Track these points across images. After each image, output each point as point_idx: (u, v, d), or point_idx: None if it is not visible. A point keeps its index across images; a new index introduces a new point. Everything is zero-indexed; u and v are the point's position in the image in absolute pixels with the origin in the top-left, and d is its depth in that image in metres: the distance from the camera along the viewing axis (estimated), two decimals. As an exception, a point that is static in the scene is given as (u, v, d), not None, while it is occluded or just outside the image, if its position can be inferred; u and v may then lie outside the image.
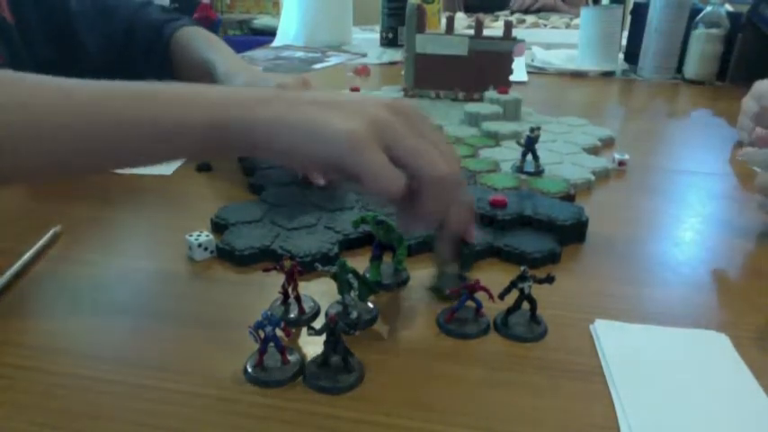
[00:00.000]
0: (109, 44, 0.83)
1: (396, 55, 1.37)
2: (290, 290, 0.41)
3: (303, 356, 0.36)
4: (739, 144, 0.81)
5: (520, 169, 0.65)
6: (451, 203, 0.38)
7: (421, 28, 0.93)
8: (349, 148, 0.35)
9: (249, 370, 0.35)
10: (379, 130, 0.36)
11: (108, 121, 0.40)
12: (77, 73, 0.42)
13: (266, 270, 0.41)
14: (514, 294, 0.40)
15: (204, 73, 0.76)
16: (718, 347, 0.39)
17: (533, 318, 0.40)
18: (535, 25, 1.97)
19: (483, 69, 0.92)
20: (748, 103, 0.79)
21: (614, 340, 0.39)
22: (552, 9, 2.33)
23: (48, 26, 0.77)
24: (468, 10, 2.30)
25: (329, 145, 0.36)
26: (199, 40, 0.83)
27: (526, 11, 2.31)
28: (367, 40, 1.58)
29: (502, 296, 0.40)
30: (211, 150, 0.42)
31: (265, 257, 0.47)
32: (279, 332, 0.35)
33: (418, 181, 0.36)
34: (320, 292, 0.43)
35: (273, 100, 0.39)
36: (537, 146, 0.64)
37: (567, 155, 0.71)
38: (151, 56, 0.83)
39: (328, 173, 0.50)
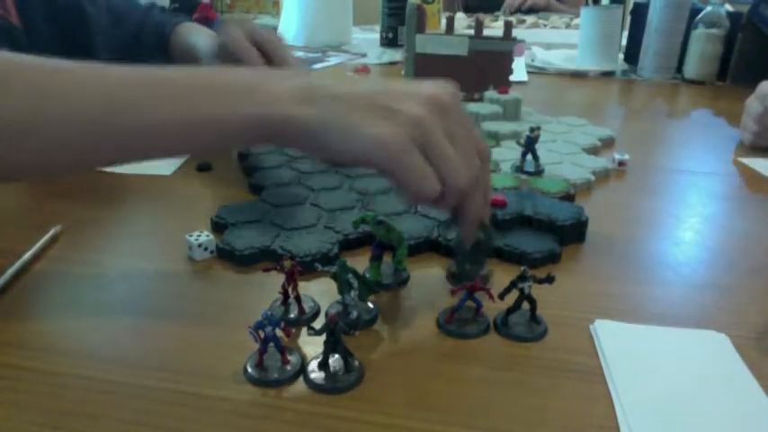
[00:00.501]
0: (118, 49, 0.84)
1: (396, 55, 1.37)
2: (290, 290, 0.41)
3: (303, 356, 0.36)
4: (741, 144, 0.81)
5: (520, 169, 0.65)
6: (466, 201, 0.40)
7: (421, 28, 0.93)
8: (387, 154, 0.36)
9: (249, 370, 0.35)
10: (416, 134, 0.36)
11: (128, 116, 0.38)
12: None
13: (266, 270, 0.41)
14: (514, 294, 0.40)
15: (192, 59, 0.79)
16: (718, 347, 0.39)
17: (533, 318, 0.40)
18: (535, 25, 1.97)
19: (483, 69, 0.92)
20: (752, 103, 0.78)
21: (614, 340, 0.39)
22: (545, 8, 2.33)
23: (58, 28, 0.78)
24: (468, 10, 2.30)
25: (368, 149, 0.37)
26: (186, 28, 0.86)
27: (517, 10, 2.30)
28: (367, 40, 1.58)
29: (502, 296, 0.40)
30: (243, 143, 0.42)
31: (265, 257, 0.47)
32: (279, 332, 0.35)
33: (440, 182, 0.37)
34: (320, 292, 0.43)
35: (315, 98, 0.38)
36: (537, 146, 0.64)
37: (566, 155, 0.71)
38: (156, 57, 0.84)
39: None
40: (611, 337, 0.39)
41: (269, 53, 0.65)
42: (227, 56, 0.65)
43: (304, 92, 0.38)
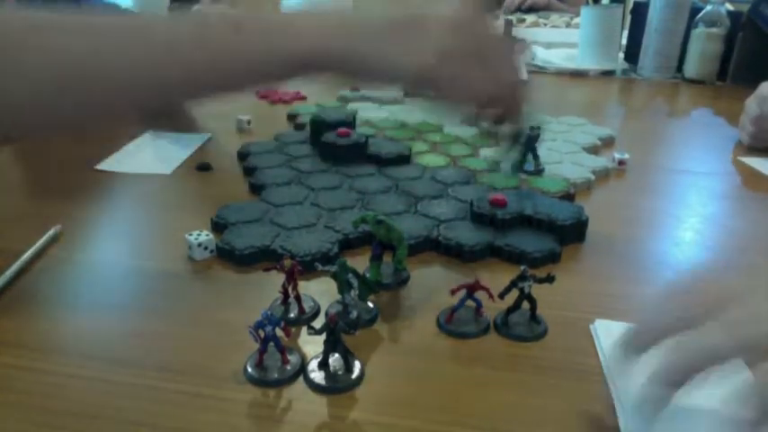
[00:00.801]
0: None
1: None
2: (290, 289, 0.41)
3: (303, 356, 0.37)
4: (741, 144, 0.81)
5: (520, 168, 0.65)
6: (504, 108, 0.47)
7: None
8: (417, 80, 0.44)
9: (249, 370, 0.35)
10: (442, 59, 0.42)
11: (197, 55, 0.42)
12: None
13: (266, 270, 0.41)
14: (514, 294, 0.40)
15: None
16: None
17: (533, 317, 0.40)
18: (535, 24, 1.97)
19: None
20: (751, 104, 0.78)
21: (614, 340, 0.39)
22: (545, 8, 2.32)
23: None
24: (468, 9, 2.29)
25: (400, 77, 0.44)
26: None
27: (517, 9, 2.30)
28: (367, 39, 1.57)
29: (502, 296, 0.40)
30: (300, 74, 0.45)
31: (265, 257, 0.47)
32: (279, 332, 0.35)
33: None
34: (320, 291, 0.43)
35: (347, 30, 0.43)
36: (537, 145, 0.64)
37: (566, 154, 0.71)
38: None
39: None
40: (611, 337, 0.39)
41: None
42: None
43: (337, 25, 0.43)
